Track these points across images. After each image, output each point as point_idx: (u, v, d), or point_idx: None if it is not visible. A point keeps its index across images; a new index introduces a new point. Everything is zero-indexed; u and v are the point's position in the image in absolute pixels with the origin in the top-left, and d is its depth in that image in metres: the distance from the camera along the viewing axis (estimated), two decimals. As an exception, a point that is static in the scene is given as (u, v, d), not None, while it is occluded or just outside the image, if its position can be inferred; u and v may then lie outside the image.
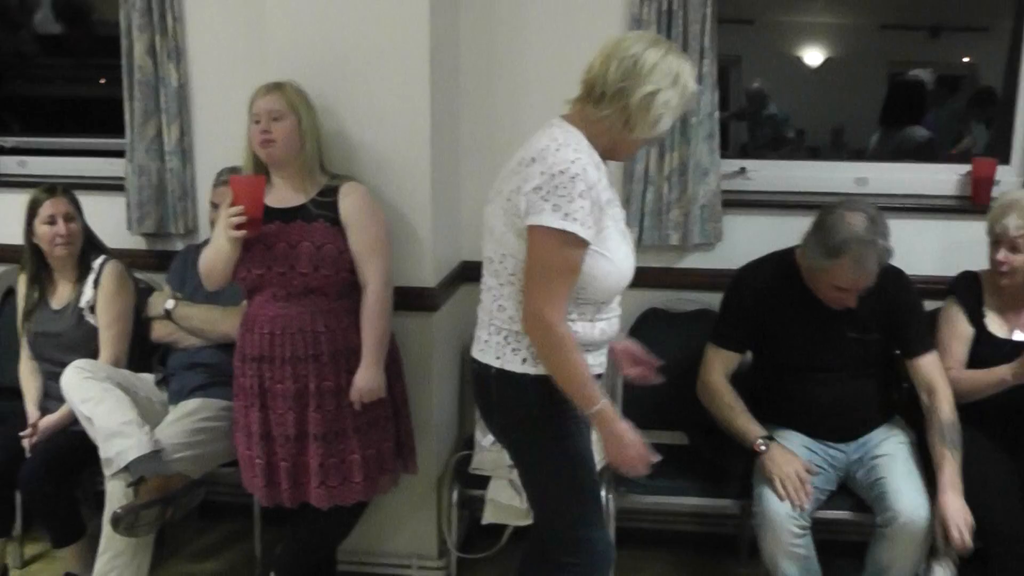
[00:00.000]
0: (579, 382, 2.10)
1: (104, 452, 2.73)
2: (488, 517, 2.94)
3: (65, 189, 3.21)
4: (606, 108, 2.08)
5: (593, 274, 2.11)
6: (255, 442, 2.68)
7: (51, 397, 3.15)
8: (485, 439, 3.05)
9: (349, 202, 2.69)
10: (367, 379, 2.64)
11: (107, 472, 2.75)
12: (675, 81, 2.08)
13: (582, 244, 2.05)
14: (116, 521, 2.64)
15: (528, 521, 2.77)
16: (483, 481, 2.97)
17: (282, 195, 2.71)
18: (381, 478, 2.77)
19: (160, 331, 3.17)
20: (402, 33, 2.89)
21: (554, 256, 2.04)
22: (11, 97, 4.55)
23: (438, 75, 3.00)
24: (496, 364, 2.19)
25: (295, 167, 2.70)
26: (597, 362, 2.25)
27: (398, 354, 2.86)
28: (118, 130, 3.65)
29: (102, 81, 4.41)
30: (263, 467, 2.69)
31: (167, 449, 2.75)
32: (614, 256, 2.14)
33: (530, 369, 2.15)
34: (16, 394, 3.25)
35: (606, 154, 2.17)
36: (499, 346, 2.20)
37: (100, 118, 4.17)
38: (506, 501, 2.88)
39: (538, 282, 2.07)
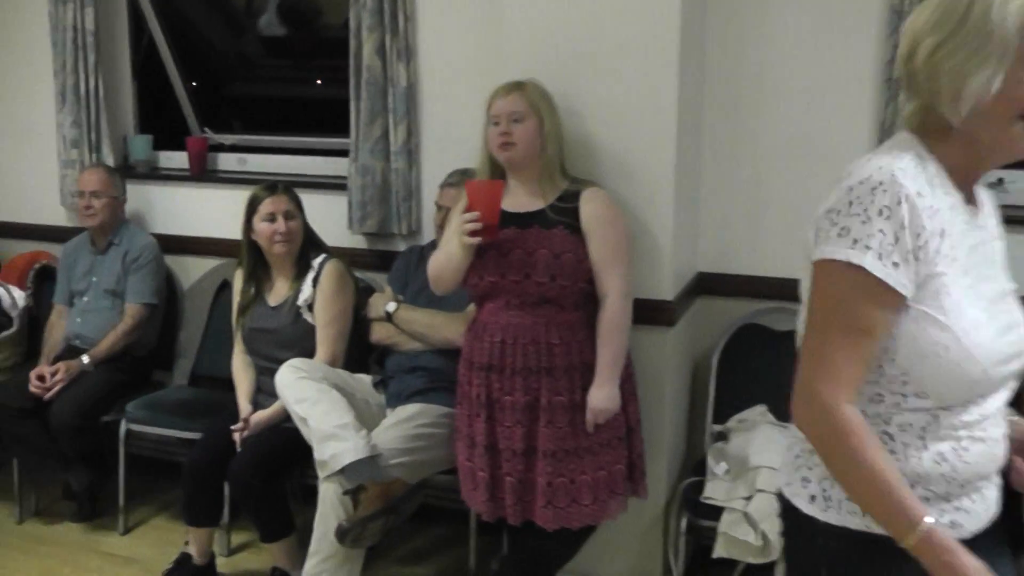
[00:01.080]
0: (881, 492, 1.35)
1: (319, 454, 2.75)
2: (720, 551, 2.78)
3: (286, 187, 3.28)
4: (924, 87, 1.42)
5: (917, 350, 1.39)
6: (478, 454, 2.63)
7: (263, 392, 3.22)
8: (718, 467, 2.91)
9: (591, 208, 2.61)
10: (602, 398, 2.55)
11: (321, 474, 2.77)
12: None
13: (882, 291, 1.36)
14: (342, 534, 2.65)
15: (763, 559, 2.62)
16: (714, 511, 2.81)
17: (519, 199, 2.66)
18: (611, 501, 2.66)
19: (380, 333, 3.18)
20: (651, 29, 2.80)
21: (835, 303, 1.40)
22: (233, 97, 4.77)
23: (686, 75, 2.89)
24: (785, 492, 1.56)
25: (535, 171, 2.64)
26: (947, 520, 1.43)
27: (633, 371, 2.75)
28: (336, 129, 3.73)
29: (319, 82, 4.56)
30: (486, 480, 2.63)
31: (384, 454, 2.73)
32: (958, 326, 1.38)
33: (819, 512, 1.48)
34: (229, 385, 3.35)
35: (972, 164, 1.47)
36: (790, 465, 1.57)
37: (318, 118, 4.31)
38: (740, 536, 2.72)
39: (811, 342, 1.43)
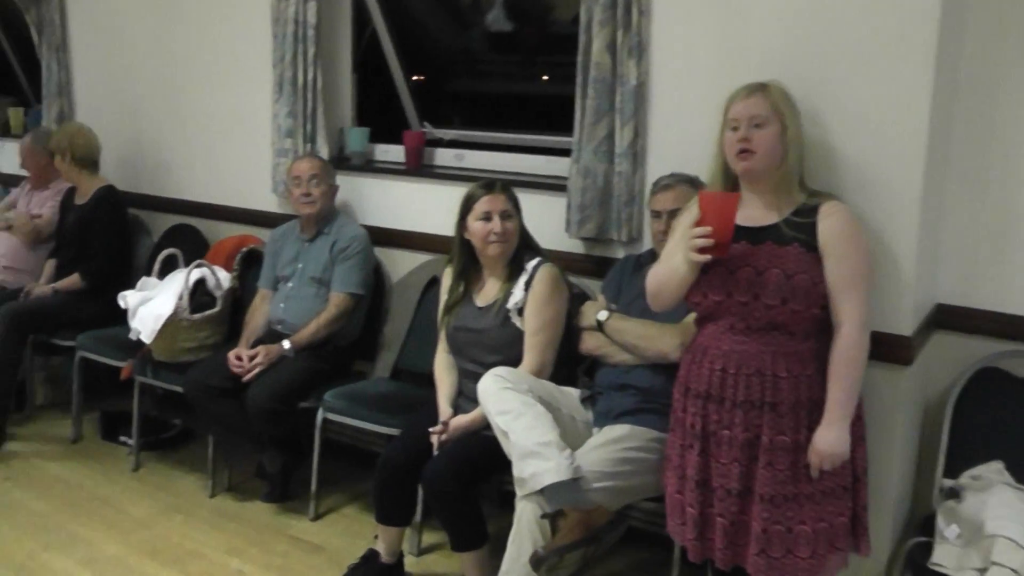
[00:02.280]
0: None
1: (518, 471, 2.68)
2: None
3: (504, 185, 3.24)
4: None
5: None
6: (689, 488, 2.51)
7: (465, 395, 3.20)
8: (949, 529, 2.68)
9: (829, 224, 2.44)
10: (830, 441, 2.38)
11: (519, 491, 2.71)
12: None
13: None
14: (537, 562, 2.59)
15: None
16: (943, 579, 2.59)
17: (751, 212, 2.51)
18: (830, 557, 2.47)
19: (590, 343, 3.10)
20: (905, 23, 2.62)
21: None
22: (455, 92, 4.82)
23: (941, 83, 2.68)
24: None
25: (772, 181, 2.50)
26: None
27: (863, 412, 2.55)
28: (558, 128, 3.68)
29: (544, 78, 4.54)
30: (695, 517, 2.50)
31: (587, 477, 2.62)
32: None
33: None
34: (431, 382, 3.34)
35: None
36: None
37: (540, 116, 4.28)
38: (980, 614, 2.49)
39: None
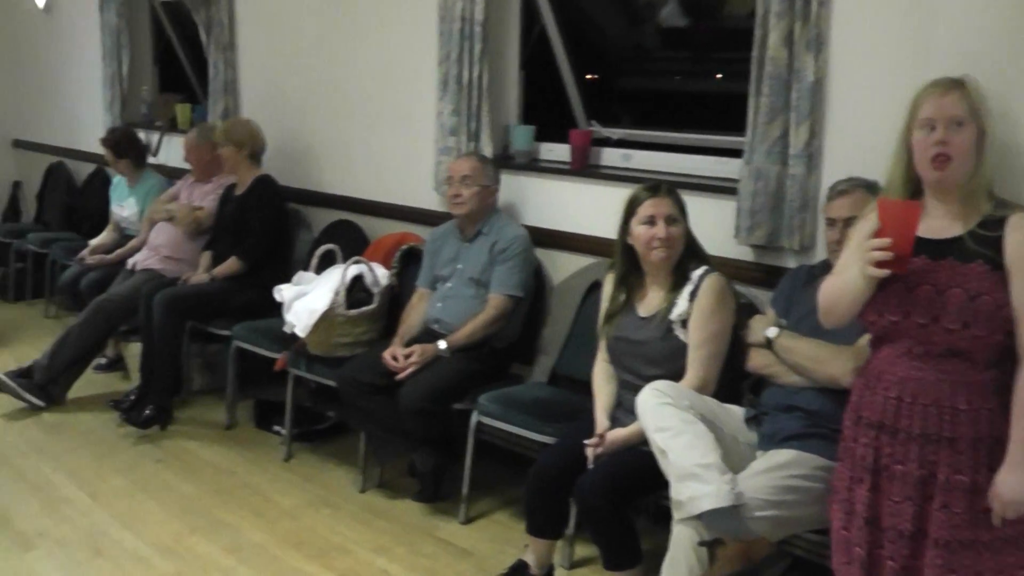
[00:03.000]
0: None
1: (676, 493, 2.61)
2: None
3: (670, 188, 3.15)
4: None
5: None
6: (857, 525, 2.37)
7: (623, 407, 3.14)
8: None
9: (1017, 239, 2.23)
10: (1013, 486, 2.18)
11: (676, 514, 2.63)
12: None
13: None
14: (691, 590, 2.51)
15: None
16: None
17: (932, 222, 2.33)
18: (1008, 611, 2.30)
19: (757, 360, 2.98)
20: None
21: None
22: (625, 90, 4.75)
23: None
24: None
25: (963, 190, 2.31)
26: None
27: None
28: (730, 128, 3.58)
29: (718, 76, 4.42)
30: (862, 558, 2.36)
31: (748, 504, 2.53)
32: None
33: None
34: (590, 390, 3.30)
35: None
36: None
37: (711, 115, 4.17)
38: None
39: None
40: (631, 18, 4.71)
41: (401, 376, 3.68)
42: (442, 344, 3.74)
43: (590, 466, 2.98)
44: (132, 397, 4.81)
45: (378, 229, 4.76)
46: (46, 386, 4.94)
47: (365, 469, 4.05)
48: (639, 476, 2.88)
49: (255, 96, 5.60)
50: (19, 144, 8.60)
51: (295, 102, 5.26)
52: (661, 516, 2.84)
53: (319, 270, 4.31)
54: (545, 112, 4.47)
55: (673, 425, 2.69)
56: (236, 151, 4.86)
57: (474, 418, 3.62)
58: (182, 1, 5.96)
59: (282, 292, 4.12)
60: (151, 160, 6.10)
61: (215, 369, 5.18)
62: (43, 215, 7.82)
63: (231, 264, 4.80)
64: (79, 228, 7.08)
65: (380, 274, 4.17)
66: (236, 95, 5.68)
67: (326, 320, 3.95)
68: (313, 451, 4.44)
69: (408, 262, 4.35)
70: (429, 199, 4.52)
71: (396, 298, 4.25)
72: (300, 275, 4.28)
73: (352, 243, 4.67)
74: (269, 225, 4.81)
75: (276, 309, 4.26)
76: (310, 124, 5.18)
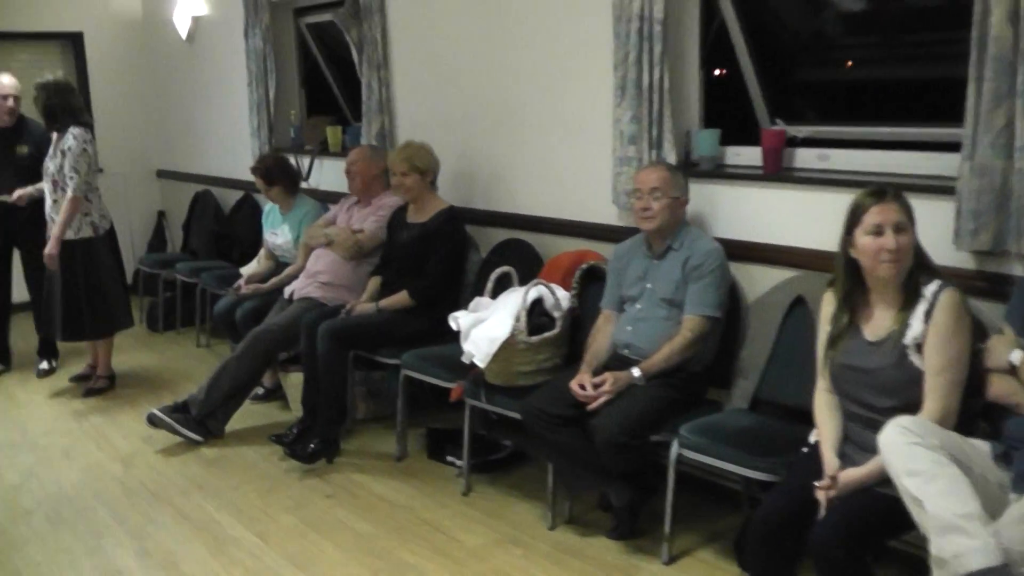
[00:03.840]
0: None
1: (936, 549, 2.36)
2: None
3: (896, 193, 2.84)
4: None
5: None
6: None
7: (852, 442, 2.88)
8: None
9: None
10: None
11: (936, 572, 2.38)
12: None
13: None
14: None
15: None
16: None
17: None
18: None
19: (1000, 388, 2.69)
20: None
21: None
22: (807, 82, 4.49)
23: None
24: None
25: None
26: None
27: None
28: (933, 118, 3.33)
29: (915, 61, 4.13)
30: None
31: (1016, 561, 2.26)
32: None
33: None
34: (796, 416, 3.18)
35: None
36: None
37: (908, 105, 3.89)
38: None
39: None
40: (810, 3, 4.44)
41: (592, 407, 3.51)
42: (636, 372, 3.55)
43: (823, 511, 2.74)
44: (295, 430, 4.77)
45: (552, 247, 4.60)
46: (204, 420, 4.95)
47: (554, 504, 3.89)
48: (879, 521, 2.64)
49: (411, 114, 5.52)
50: (163, 174, 8.87)
51: (455, 118, 5.15)
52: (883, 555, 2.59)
53: (494, 294, 4.16)
54: (726, 113, 4.25)
55: (925, 469, 2.44)
56: (421, 179, 4.78)
57: (674, 450, 3.42)
58: (331, 22, 5.93)
59: (458, 320, 3.99)
60: (303, 185, 6.08)
61: (379, 396, 5.15)
62: (190, 244, 7.98)
63: (401, 299, 4.72)
64: (228, 256, 7.20)
65: (561, 296, 4.00)
66: (391, 114, 5.60)
67: (507, 348, 3.81)
68: (492, 484, 4.30)
69: (589, 282, 4.17)
70: (608, 213, 4.33)
71: (577, 321, 4.07)
72: (476, 301, 4.15)
73: (525, 263, 4.53)
74: (447, 266, 4.73)
75: (446, 335, 4.17)
76: (472, 140, 5.06)
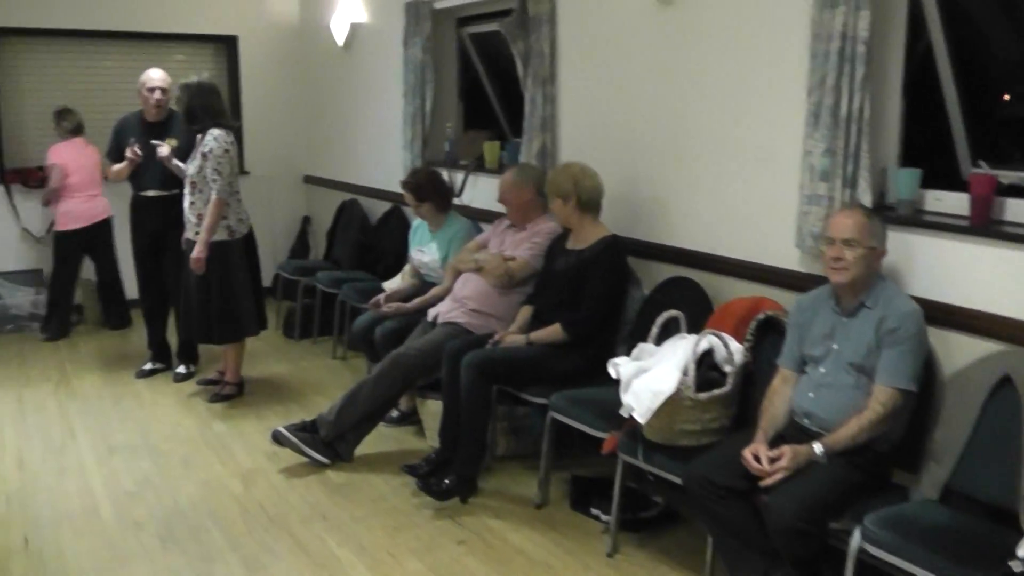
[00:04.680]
0: None
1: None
2: None
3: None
4: None
5: None
6: None
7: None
8: None
9: None
10: None
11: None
12: None
13: None
14: None
15: None
16: None
17: None
18: None
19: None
20: None
21: None
22: (1017, 119, 4.07)
23: None
24: None
25: None
26: None
27: None
28: None
29: None
30: None
31: None
32: None
33: None
34: (996, 515, 2.98)
35: None
36: None
37: None
38: None
39: None
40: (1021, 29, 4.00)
41: (766, 483, 3.17)
42: (818, 448, 3.18)
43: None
44: (429, 463, 4.59)
45: (724, 290, 4.26)
46: (332, 442, 4.80)
47: (712, 578, 3.57)
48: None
49: (576, 134, 5.24)
50: (310, 180, 8.88)
51: (623, 139, 4.85)
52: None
53: (659, 340, 3.85)
54: (921, 149, 3.85)
55: None
56: (563, 204, 4.53)
57: (856, 541, 3.04)
58: (494, 32, 5.72)
59: (618, 368, 3.69)
60: (455, 202, 5.90)
61: (522, 433, 4.92)
62: (333, 252, 7.93)
63: (553, 333, 4.47)
64: (372, 268, 7.10)
65: (734, 349, 3.66)
66: (554, 133, 5.34)
67: (671, 404, 3.50)
68: (641, 545, 3.98)
69: (765, 333, 3.83)
70: (790, 256, 3.97)
71: (750, 377, 3.74)
72: (640, 348, 3.83)
73: (693, 307, 4.19)
74: (604, 300, 4.46)
75: (600, 375, 3.95)
76: (640, 164, 4.76)
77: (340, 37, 7.76)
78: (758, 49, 4.07)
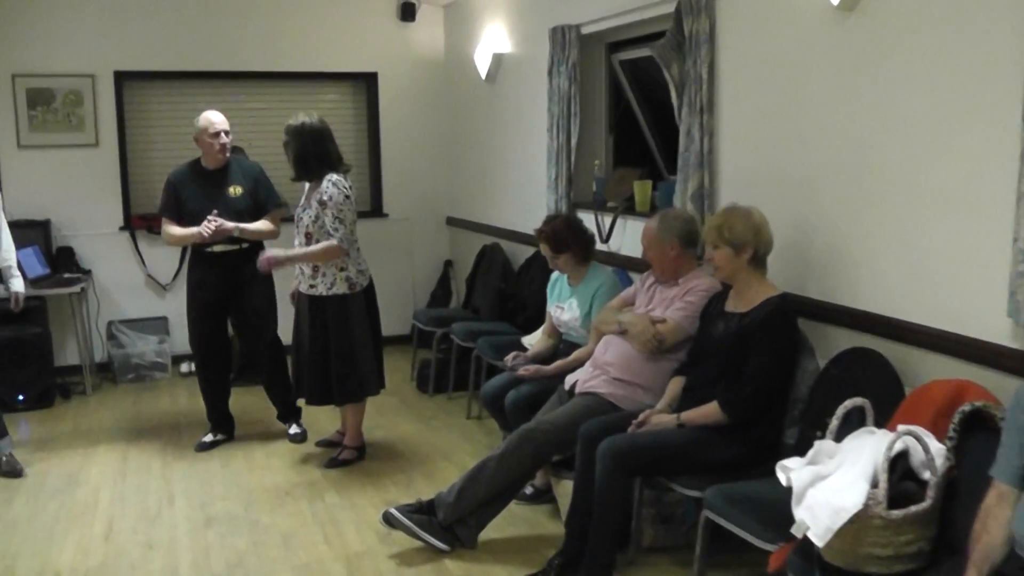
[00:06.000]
0: None
1: None
2: None
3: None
4: None
5: None
6: None
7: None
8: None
9: None
10: None
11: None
12: None
13: None
14: None
15: None
16: None
17: None
18: None
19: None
20: None
21: None
22: None
23: None
24: None
25: None
26: None
27: None
28: None
29: None
30: None
31: None
32: None
33: None
34: None
35: None
36: None
37: None
38: None
39: None
40: None
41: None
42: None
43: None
44: (558, 561, 4.03)
45: (917, 368, 3.50)
46: (452, 526, 4.29)
47: None
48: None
49: (738, 171, 4.54)
50: (452, 222, 8.57)
51: (794, 178, 4.14)
52: None
53: (840, 435, 3.11)
54: None
55: None
56: (734, 255, 3.86)
57: None
58: (648, 58, 5.10)
59: (789, 473, 2.97)
60: (600, 246, 5.30)
61: (672, 522, 4.32)
62: (472, 300, 7.55)
63: (710, 413, 3.82)
64: (512, 318, 6.68)
65: (934, 451, 2.90)
66: (713, 170, 4.65)
67: (857, 522, 2.76)
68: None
69: (970, 430, 3.03)
70: (1001, 329, 3.17)
71: (953, 485, 2.97)
72: (817, 448, 3.08)
73: (878, 387, 3.45)
74: (771, 374, 3.78)
75: (764, 464, 3.50)
76: (815, 209, 4.03)
77: (483, 69, 7.37)
78: (964, 68, 3.30)
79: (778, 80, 4.21)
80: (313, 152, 5.20)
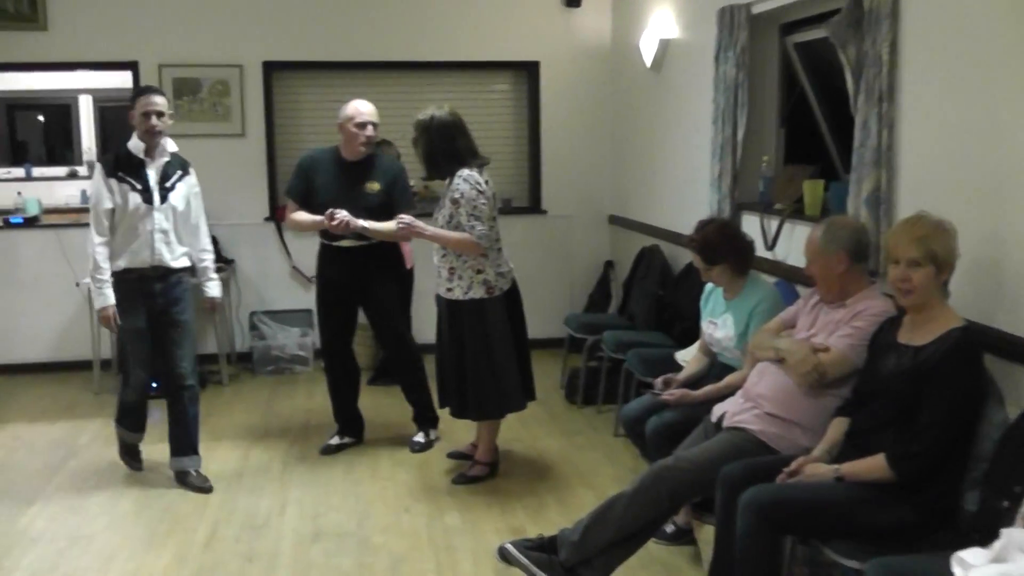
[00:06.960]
0: None
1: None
2: None
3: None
4: None
5: None
6: None
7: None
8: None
9: None
10: None
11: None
12: None
13: None
14: None
15: None
16: None
17: None
18: None
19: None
20: None
21: None
22: None
23: None
24: None
25: None
26: None
27: None
28: None
29: None
30: None
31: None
32: None
33: None
34: None
35: None
36: None
37: None
38: None
39: None
40: None
41: None
42: None
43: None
44: None
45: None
46: (574, 568, 3.74)
47: None
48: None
49: (921, 171, 3.82)
50: (615, 220, 8.08)
51: (988, 181, 3.41)
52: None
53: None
54: None
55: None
56: (932, 275, 3.17)
57: None
58: (824, 40, 4.42)
59: (964, 564, 2.33)
60: (764, 253, 4.68)
61: None
62: (628, 306, 7.02)
63: (875, 467, 3.17)
64: (669, 328, 6.11)
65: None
66: (892, 169, 3.94)
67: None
68: None
69: None
70: None
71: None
72: (1007, 538, 2.40)
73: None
74: (953, 422, 3.10)
75: (935, 533, 3.00)
76: (1013, 219, 3.30)
77: (648, 56, 6.81)
78: None
79: (973, 62, 3.47)
80: (440, 148, 4.86)
